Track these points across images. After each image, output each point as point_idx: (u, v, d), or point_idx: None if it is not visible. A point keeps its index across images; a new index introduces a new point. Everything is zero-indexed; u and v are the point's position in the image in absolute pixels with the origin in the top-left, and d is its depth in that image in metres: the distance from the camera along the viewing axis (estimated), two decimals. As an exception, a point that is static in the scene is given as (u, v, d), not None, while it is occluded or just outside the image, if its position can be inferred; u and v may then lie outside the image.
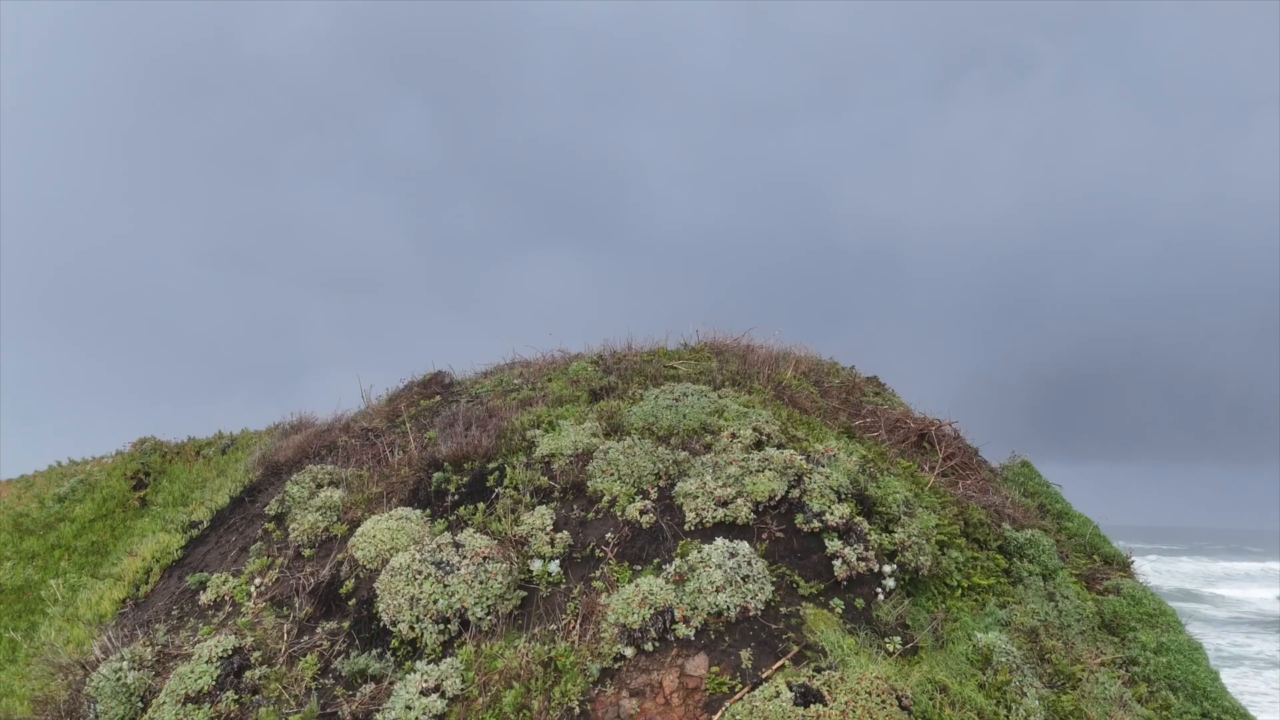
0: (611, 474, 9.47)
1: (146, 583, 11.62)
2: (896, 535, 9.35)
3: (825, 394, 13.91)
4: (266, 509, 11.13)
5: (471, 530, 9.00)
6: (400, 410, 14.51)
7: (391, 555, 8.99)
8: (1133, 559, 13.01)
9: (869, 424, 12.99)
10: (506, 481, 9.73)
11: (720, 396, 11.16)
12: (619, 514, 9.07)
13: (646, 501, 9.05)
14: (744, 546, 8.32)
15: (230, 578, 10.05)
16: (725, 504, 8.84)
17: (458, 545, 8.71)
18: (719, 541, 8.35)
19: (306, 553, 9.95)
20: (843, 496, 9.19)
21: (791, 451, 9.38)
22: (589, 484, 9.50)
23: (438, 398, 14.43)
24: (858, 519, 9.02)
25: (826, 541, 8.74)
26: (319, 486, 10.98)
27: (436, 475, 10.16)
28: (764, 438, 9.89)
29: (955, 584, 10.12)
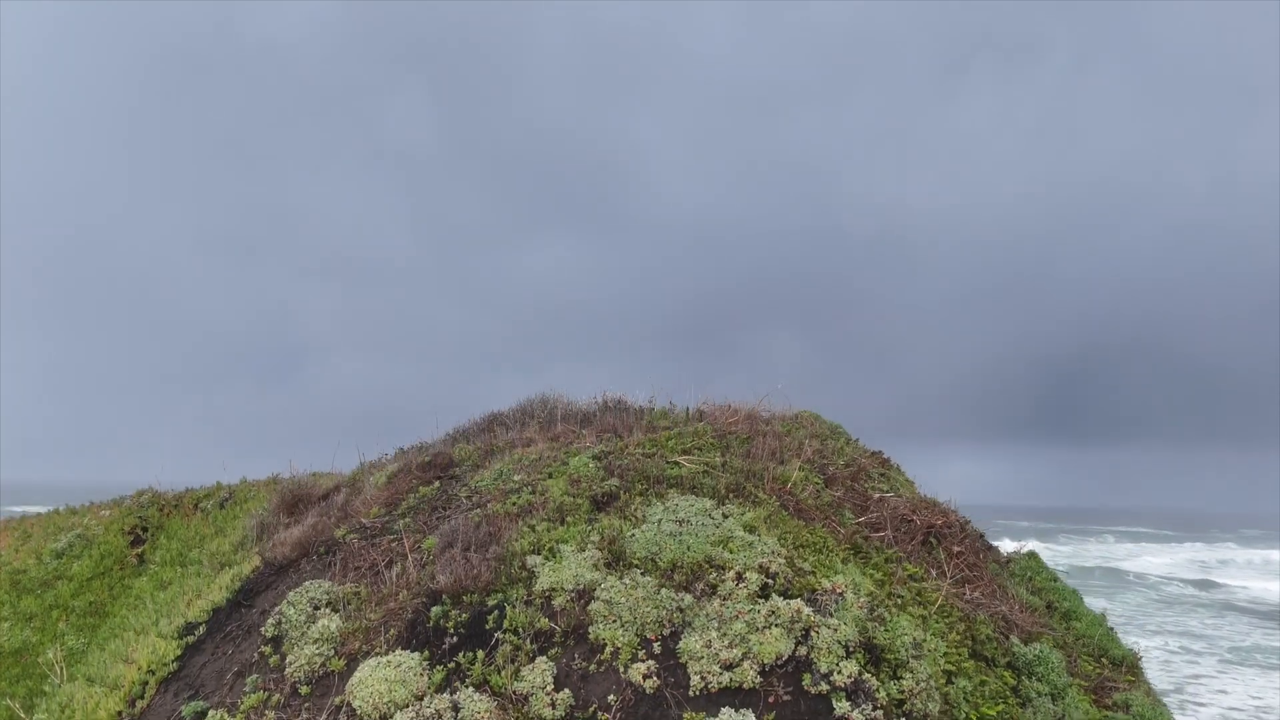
0: (614, 620, 9.26)
1: (143, 697, 11.47)
2: (905, 682, 9.16)
3: (831, 482, 13.68)
4: (264, 629, 10.93)
5: (471, 689, 8.80)
6: (399, 497, 14.31)
7: (391, 712, 8.80)
8: (1141, 656, 12.85)
9: (875, 521, 12.78)
10: (506, 624, 9.52)
11: (724, 515, 10.91)
12: (621, 669, 8.86)
13: (651, 661, 8.83)
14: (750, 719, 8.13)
15: (226, 715, 9.87)
16: (731, 667, 8.63)
17: (456, 709, 8.52)
18: (725, 714, 8.16)
19: (303, 690, 9.77)
20: (850, 650, 8.98)
21: (799, 602, 9.16)
22: (590, 629, 9.29)
23: (437, 484, 14.22)
24: (865, 675, 8.83)
25: (835, 703, 8.55)
26: (316, 609, 10.79)
27: (435, 610, 9.95)
28: (769, 579, 9.66)
29: (964, 717, 9.95)
